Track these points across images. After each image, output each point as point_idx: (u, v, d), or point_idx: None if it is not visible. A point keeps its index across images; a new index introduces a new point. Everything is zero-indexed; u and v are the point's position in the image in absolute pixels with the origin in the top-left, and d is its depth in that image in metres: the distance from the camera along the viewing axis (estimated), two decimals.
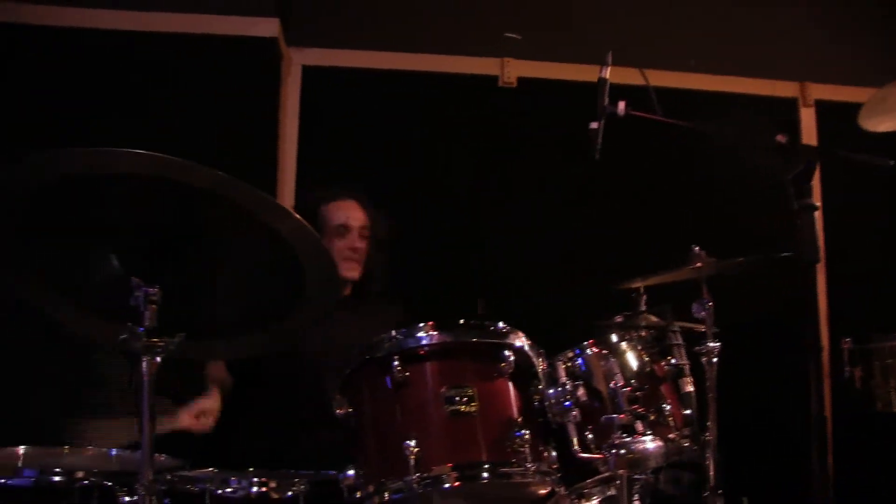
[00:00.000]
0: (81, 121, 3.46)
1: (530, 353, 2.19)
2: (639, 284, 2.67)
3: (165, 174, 1.66)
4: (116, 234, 1.81)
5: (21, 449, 2.32)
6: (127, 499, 1.99)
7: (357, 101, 3.91)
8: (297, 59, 3.93)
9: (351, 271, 3.05)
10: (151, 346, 1.76)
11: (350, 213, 3.07)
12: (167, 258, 1.82)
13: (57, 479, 2.06)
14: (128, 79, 3.57)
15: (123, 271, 1.80)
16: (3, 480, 2.04)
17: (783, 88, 4.21)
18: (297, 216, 1.77)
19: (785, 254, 2.44)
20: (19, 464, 2.15)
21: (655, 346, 2.49)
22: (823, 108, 4.19)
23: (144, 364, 1.75)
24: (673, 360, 2.50)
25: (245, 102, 3.64)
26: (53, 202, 1.70)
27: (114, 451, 2.34)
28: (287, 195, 3.78)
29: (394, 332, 2.14)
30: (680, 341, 2.58)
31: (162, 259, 1.82)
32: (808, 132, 4.18)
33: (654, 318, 2.64)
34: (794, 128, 4.15)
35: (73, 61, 3.56)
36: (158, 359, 1.76)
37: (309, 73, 3.94)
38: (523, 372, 2.18)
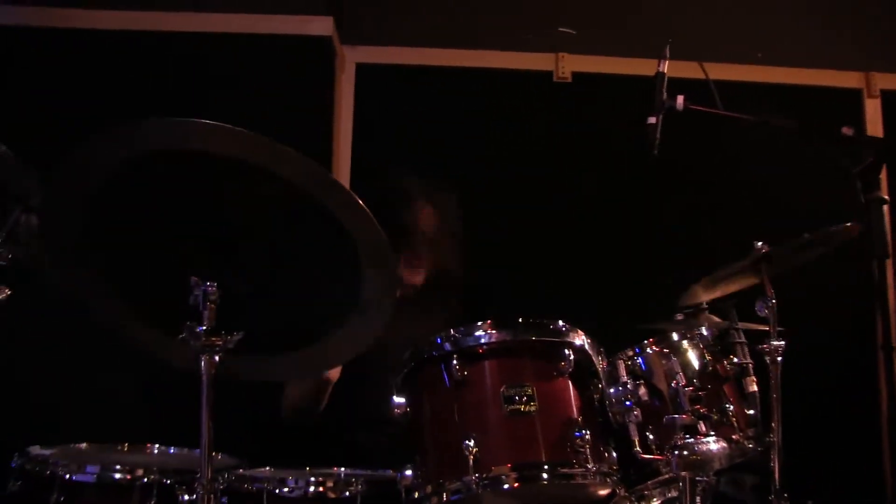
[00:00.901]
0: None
1: (590, 352, 2.17)
2: (703, 299, 2.64)
3: (244, 154, 1.63)
4: (180, 230, 1.81)
5: (84, 445, 2.37)
6: (186, 497, 2.01)
7: (411, 98, 3.91)
8: (351, 57, 3.94)
9: (411, 276, 2.99)
10: (211, 345, 1.77)
11: (417, 215, 2.99)
12: (228, 257, 1.84)
13: (118, 476, 2.09)
14: (182, 80, 3.61)
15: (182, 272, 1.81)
16: (67, 476, 2.07)
17: (847, 79, 4.10)
18: (374, 221, 1.73)
19: (853, 247, 2.39)
20: (82, 459, 2.18)
21: (718, 345, 2.46)
22: (889, 99, 4.08)
23: (203, 363, 1.76)
24: (736, 360, 2.48)
25: (299, 102, 3.65)
26: (121, 187, 1.70)
27: (173, 450, 2.37)
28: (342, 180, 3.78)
29: (452, 331, 2.13)
30: (743, 339, 2.57)
31: (223, 257, 1.83)
32: (874, 124, 4.06)
33: (715, 318, 2.61)
34: (858, 119, 4.04)
35: (129, 63, 3.62)
36: (217, 357, 1.77)
37: (363, 70, 3.95)
38: (583, 371, 2.16)
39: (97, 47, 3.64)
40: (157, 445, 2.39)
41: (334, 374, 2.71)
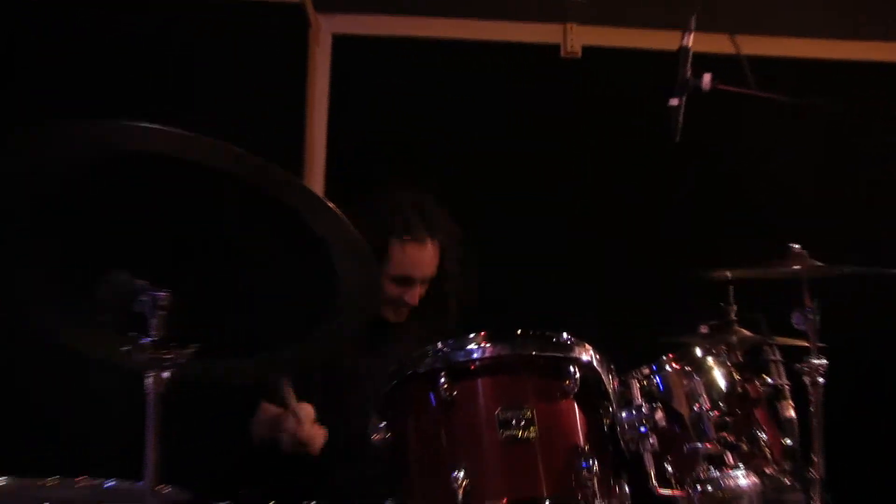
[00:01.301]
0: (91, 92, 3.51)
1: (599, 369, 2.16)
2: (730, 308, 2.64)
3: (181, 153, 1.66)
4: (122, 233, 1.82)
5: (3, 480, 2.33)
6: None
7: (396, 73, 3.90)
8: (328, 27, 3.93)
9: (398, 317, 3.01)
10: (158, 360, 1.76)
11: (420, 263, 2.97)
12: (180, 260, 1.83)
13: None
14: (140, 48, 3.61)
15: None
16: None
17: None
18: (339, 213, 1.75)
19: None
20: None
21: (748, 363, 2.47)
22: None
23: (150, 380, 1.75)
24: (769, 380, 2.48)
25: (268, 75, 3.66)
26: (54, 191, 1.72)
27: (109, 483, 2.34)
28: (316, 179, 3.78)
29: (440, 344, 2.13)
30: (778, 357, 2.58)
31: (174, 261, 1.83)
32: None
33: (745, 330, 2.61)
34: None
35: (96, 35, 3.62)
36: (166, 374, 1.76)
37: (340, 42, 3.94)
38: (591, 391, 2.16)
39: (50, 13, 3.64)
40: (94, 479, 2.35)
41: (307, 426, 2.71)
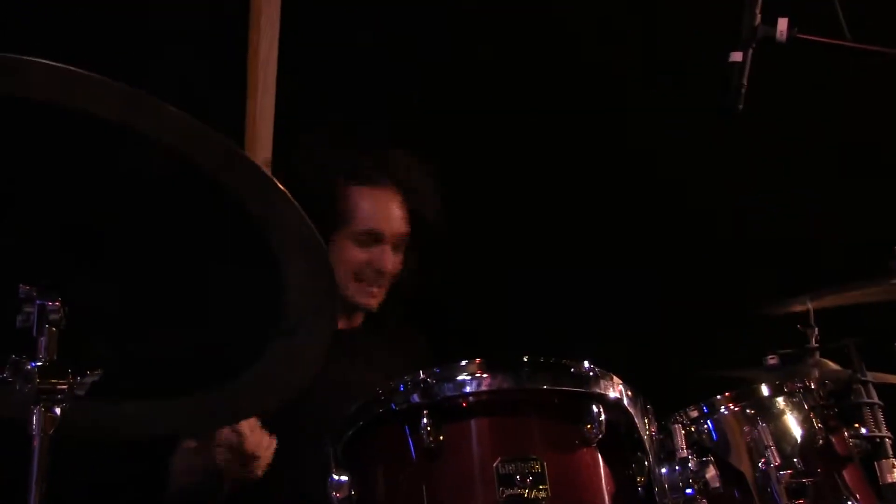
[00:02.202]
0: None
1: (631, 410, 2.19)
2: (806, 306, 2.65)
3: (69, 101, 1.61)
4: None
5: None
6: None
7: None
8: None
9: (369, 298, 3.08)
10: (49, 391, 1.78)
11: (388, 213, 3.07)
12: (76, 257, 1.86)
13: None
14: None
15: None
16: None
17: None
18: (286, 193, 1.74)
19: None
20: None
21: (833, 407, 2.48)
22: None
23: (35, 418, 1.76)
24: (863, 430, 2.48)
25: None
26: None
27: None
28: (260, 143, 3.79)
29: (422, 373, 2.16)
30: (875, 399, 2.56)
31: (69, 259, 1.85)
32: None
33: (830, 362, 2.61)
34: None
35: None
36: (58, 410, 1.77)
37: None
38: (620, 439, 2.20)
39: None
40: None
41: (248, 433, 2.72)
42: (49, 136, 1.70)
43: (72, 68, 1.56)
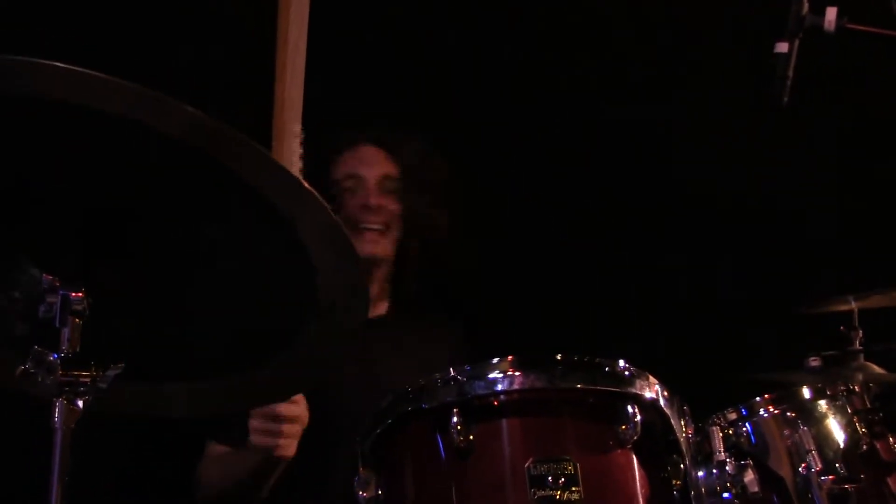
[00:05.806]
0: None
1: (667, 411, 2.19)
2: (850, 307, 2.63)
3: (96, 104, 1.62)
4: (22, 212, 1.83)
5: None
6: None
7: None
8: None
9: (371, 244, 3.08)
10: (71, 383, 1.78)
11: (365, 157, 3.16)
12: (101, 250, 1.86)
13: None
14: None
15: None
16: None
17: None
18: (311, 190, 1.75)
19: None
20: None
21: (878, 411, 2.47)
22: None
23: (58, 410, 1.77)
24: None
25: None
26: None
27: None
28: (289, 129, 3.80)
29: (452, 371, 2.16)
30: None
31: (93, 251, 1.86)
32: None
33: (875, 366, 2.60)
34: None
35: None
36: (81, 403, 1.77)
37: None
38: (655, 441, 2.20)
39: None
40: None
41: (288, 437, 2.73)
42: (74, 135, 1.70)
43: (97, 74, 1.57)
